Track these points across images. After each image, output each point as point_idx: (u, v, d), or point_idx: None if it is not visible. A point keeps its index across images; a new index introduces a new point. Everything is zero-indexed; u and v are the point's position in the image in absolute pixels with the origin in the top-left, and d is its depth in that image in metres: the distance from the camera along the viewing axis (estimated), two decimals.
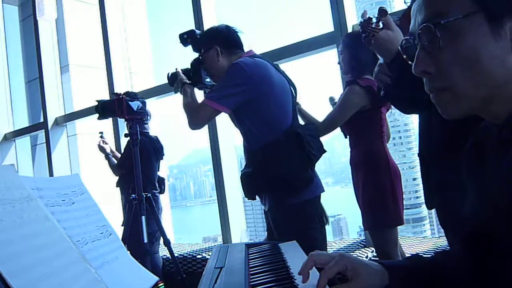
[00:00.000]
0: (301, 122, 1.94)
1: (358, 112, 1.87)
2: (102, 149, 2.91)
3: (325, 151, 1.72)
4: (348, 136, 2.01)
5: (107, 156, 2.91)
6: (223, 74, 1.65)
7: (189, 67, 1.82)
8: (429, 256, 0.67)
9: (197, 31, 1.77)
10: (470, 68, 0.52)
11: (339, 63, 2.01)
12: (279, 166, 1.56)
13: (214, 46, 1.69)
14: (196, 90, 1.80)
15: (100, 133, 2.98)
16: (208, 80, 1.80)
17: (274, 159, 1.57)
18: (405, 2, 1.32)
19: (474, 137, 0.63)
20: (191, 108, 1.67)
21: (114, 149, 3.12)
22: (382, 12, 1.05)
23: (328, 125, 1.94)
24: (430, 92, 0.56)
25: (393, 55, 1.06)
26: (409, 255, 1.86)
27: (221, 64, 1.69)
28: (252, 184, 1.64)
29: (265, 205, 1.69)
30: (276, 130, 1.60)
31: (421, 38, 0.54)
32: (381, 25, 1.06)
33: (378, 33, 1.05)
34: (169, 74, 1.87)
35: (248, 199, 1.72)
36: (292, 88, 1.74)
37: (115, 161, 2.89)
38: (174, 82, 1.82)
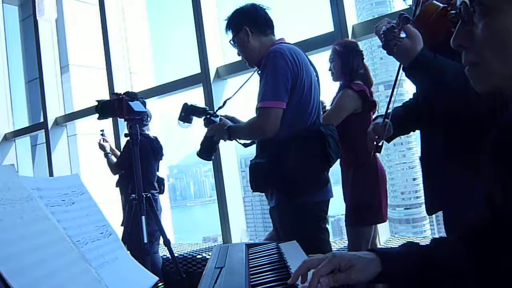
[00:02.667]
0: None
1: (348, 116, 1.96)
2: (102, 147, 2.92)
3: (341, 156, 1.66)
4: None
5: (106, 155, 2.91)
6: (257, 56, 1.60)
7: (204, 120, 1.78)
8: (425, 244, 0.68)
9: (190, 104, 1.77)
10: (501, 47, 0.52)
11: (330, 69, 2.08)
12: (299, 161, 1.48)
13: (243, 27, 1.61)
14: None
15: (101, 131, 2.99)
16: (207, 109, 1.79)
17: (295, 152, 1.49)
18: (404, 0, 1.32)
19: (496, 132, 0.63)
20: (253, 126, 1.57)
21: (114, 147, 3.12)
22: (405, 19, 1.04)
23: None
24: (465, 65, 0.57)
25: (411, 61, 1.06)
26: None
27: (252, 45, 1.62)
28: (264, 175, 1.54)
29: (271, 201, 1.61)
30: (301, 123, 1.53)
31: (461, 12, 0.55)
32: (403, 33, 1.05)
33: (401, 41, 1.05)
34: (185, 110, 1.82)
35: (254, 191, 1.63)
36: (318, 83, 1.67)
37: (114, 160, 2.89)
38: (188, 118, 1.81)
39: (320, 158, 1.52)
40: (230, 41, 1.69)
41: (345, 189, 2.05)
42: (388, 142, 1.40)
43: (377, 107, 2.05)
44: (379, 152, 1.38)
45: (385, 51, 1.09)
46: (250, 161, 1.61)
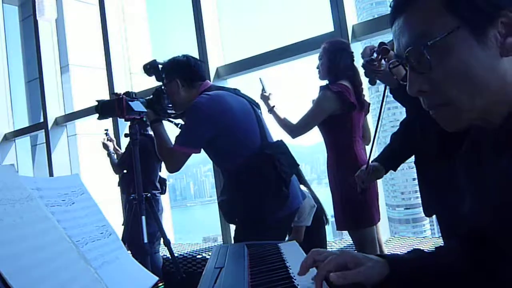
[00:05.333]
0: (277, 126, 2.07)
1: (329, 117, 1.95)
2: (105, 146, 2.94)
3: (298, 165, 1.78)
4: (324, 139, 2.08)
5: (109, 154, 2.93)
6: (184, 105, 1.75)
7: (152, 96, 1.92)
8: (429, 250, 0.68)
9: (159, 62, 1.87)
10: (464, 82, 0.52)
11: (318, 67, 2.07)
12: (256, 190, 1.61)
13: (175, 78, 1.77)
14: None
15: (105, 130, 3.02)
16: (170, 110, 1.89)
17: (250, 184, 1.62)
18: (390, 6, 1.33)
19: (470, 138, 0.63)
20: (164, 154, 1.75)
21: (117, 147, 3.13)
22: (384, 50, 1.03)
23: (301, 127, 2.01)
24: (429, 109, 0.56)
25: (398, 83, 1.05)
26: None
27: (182, 96, 1.77)
28: (230, 211, 1.73)
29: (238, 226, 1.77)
30: (245, 156, 1.66)
31: (409, 60, 0.55)
32: (383, 62, 1.04)
33: (381, 74, 1.04)
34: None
35: (229, 223, 1.81)
36: (255, 107, 1.81)
37: (117, 160, 2.90)
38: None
39: (275, 179, 1.62)
40: (162, 86, 1.86)
41: (331, 189, 2.03)
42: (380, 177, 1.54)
43: (365, 108, 2.06)
44: (364, 195, 1.50)
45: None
46: (218, 197, 1.80)
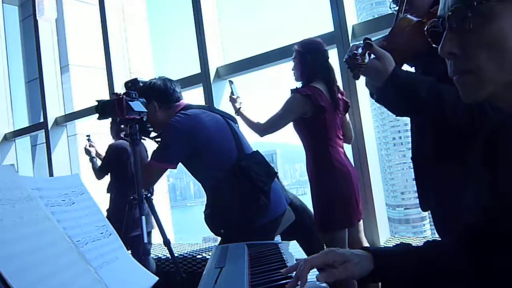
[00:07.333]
0: (247, 128, 2.13)
1: (301, 119, 1.98)
2: (87, 152, 2.98)
3: (276, 173, 1.80)
4: (301, 142, 2.10)
5: (91, 159, 2.97)
6: (162, 125, 1.82)
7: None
8: (417, 245, 0.69)
9: (140, 79, 1.91)
10: (497, 52, 0.52)
11: (293, 69, 2.09)
12: (234, 203, 1.66)
13: (152, 101, 1.83)
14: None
15: (87, 136, 3.06)
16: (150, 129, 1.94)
17: (228, 198, 1.68)
18: (390, 8, 1.32)
19: (489, 125, 0.63)
20: (141, 169, 1.81)
21: (100, 152, 3.15)
22: (368, 45, 1.02)
23: (268, 127, 2.06)
24: (454, 75, 0.56)
25: (384, 81, 1.04)
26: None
27: (159, 118, 1.84)
28: (213, 223, 1.77)
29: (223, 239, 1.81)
30: (222, 170, 1.71)
31: (451, 19, 0.54)
32: (367, 57, 1.03)
33: (363, 68, 1.03)
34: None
35: (216, 235, 1.84)
36: (230, 121, 1.85)
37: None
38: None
39: (251, 189, 1.66)
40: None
41: (311, 190, 2.03)
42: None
43: (341, 107, 2.05)
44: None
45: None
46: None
